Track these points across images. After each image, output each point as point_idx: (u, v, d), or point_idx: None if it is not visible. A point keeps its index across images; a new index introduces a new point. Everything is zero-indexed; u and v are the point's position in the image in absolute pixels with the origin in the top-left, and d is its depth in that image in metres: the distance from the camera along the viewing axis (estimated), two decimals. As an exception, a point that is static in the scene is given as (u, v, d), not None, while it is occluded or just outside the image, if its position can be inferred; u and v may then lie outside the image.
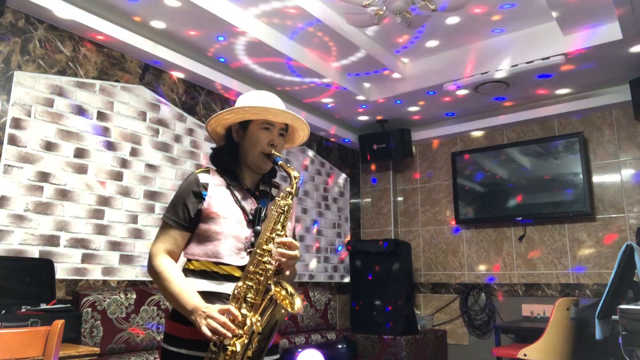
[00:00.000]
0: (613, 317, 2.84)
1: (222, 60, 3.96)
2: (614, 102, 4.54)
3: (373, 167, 5.90)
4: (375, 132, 5.48)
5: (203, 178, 1.61)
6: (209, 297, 1.48)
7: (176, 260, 1.59)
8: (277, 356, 1.62)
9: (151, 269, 1.55)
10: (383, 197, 5.80)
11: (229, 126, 1.68)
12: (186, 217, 1.56)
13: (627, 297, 3.38)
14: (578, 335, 3.81)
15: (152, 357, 2.98)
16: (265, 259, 1.46)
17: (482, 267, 5.14)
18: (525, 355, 3.58)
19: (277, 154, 1.60)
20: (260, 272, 1.45)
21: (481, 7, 3.65)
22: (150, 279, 3.48)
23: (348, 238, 5.61)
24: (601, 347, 3.65)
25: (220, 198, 1.58)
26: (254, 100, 1.65)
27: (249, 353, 1.38)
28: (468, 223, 5.26)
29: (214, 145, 1.78)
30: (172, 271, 1.51)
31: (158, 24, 3.43)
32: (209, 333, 1.36)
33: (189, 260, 1.59)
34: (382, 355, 4.55)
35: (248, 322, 1.40)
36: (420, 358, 4.63)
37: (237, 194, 1.61)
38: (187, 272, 1.57)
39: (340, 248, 5.44)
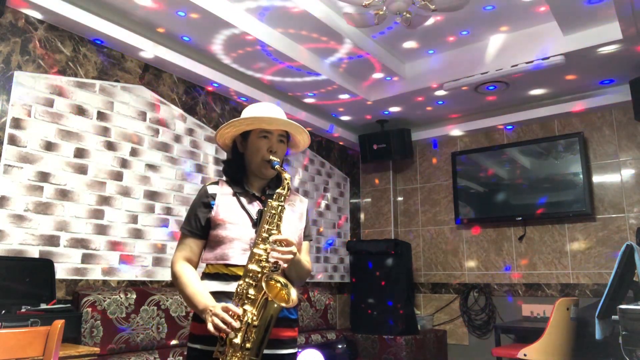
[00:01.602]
0: (613, 317, 2.84)
1: (218, 57, 3.96)
2: (614, 102, 4.54)
3: (373, 167, 5.90)
4: (375, 132, 5.47)
5: (211, 189, 1.77)
6: (220, 296, 1.61)
7: (195, 266, 1.75)
8: (294, 350, 1.73)
9: (172, 275, 1.73)
10: (383, 197, 5.80)
11: (234, 139, 1.82)
12: (198, 226, 1.73)
13: (627, 297, 3.38)
14: (578, 335, 3.81)
15: (152, 357, 2.99)
16: (261, 257, 1.58)
17: (482, 267, 5.14)
18: (525, 355, 3.58)
19: (275, 158, 1.72)
20: (258, 269, 1.57)
21: (481, 7, 3.65)
22: (150, 279, 3.49)
23: (348, 238, 5.62)
24: (601, 347, 3.65)
25: (226, 205, 1.72)
26: (251, 112, 1.79)
27: (248, 344, 1.50)
28: (468, 223, 5.26)
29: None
30: (188, 275, 1.68)
31: (158, 24, 3.43)
32: (212, 329, 1.49)
33: (205, 265, 1.75)
34: (382, 355, 4.55)
35: (246, 316, 1.52)
36: (420, 358, 4.63)
37: (243, 200, 1.75)
38: (204, 275, 1.73)
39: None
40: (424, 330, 5.00)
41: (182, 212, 3.76)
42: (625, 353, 2.47)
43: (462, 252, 5.30)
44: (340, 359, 4.28)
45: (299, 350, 3.76)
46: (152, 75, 3.73)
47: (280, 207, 1.63)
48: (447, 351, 5.18)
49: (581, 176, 4.59)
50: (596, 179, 4.66)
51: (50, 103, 3.08)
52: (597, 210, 4.60)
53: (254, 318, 1.51)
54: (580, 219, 4.65)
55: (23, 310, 2.56)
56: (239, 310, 1.51)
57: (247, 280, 1.56)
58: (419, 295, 5.49)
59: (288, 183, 1.67)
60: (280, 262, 1.60)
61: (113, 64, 3.47)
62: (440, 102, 4.88)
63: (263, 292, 1.53)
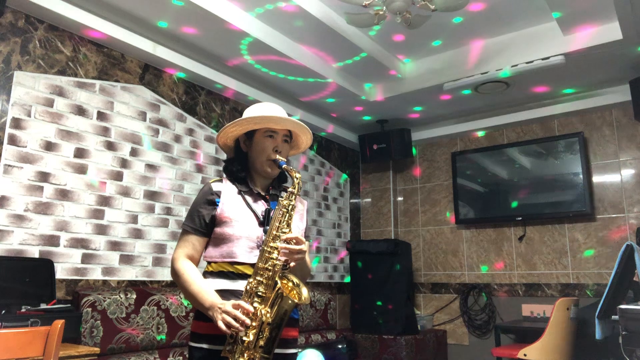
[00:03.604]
0: (613, 317, 2.84)
1: (218, 56, 3.96)
2: (614, 102, 4.54)
3: (373, 167, 5.90)
4: (375, 132, 5.47)
5: (216, 187, 1.76)
6: (225, 294, 1.61)
7: (196, 264, 1.74)
8: (296, 350, 1.73)
9: (173, 272, 1.71)
10: (383, 197, 5.80)
11: (237, 138, 1.82)
12: (202, 223, 1.71)
13: (627, 297, 3.38)
14: (578, 335, 3.81)
15: (152, 357, 2.99)
16: (272, 255, 1.57)
17: (482, 267, 5.14)
18: (525, 355, 3.59)
19: (282, 158, 1.72)
20: (269, 267, 1.57)
21: (481, 7, 3.65)
22: (150, 279, 3.49)
23: (348, 238, 5.62)
24: (601, 347, 3.65)
25: (232, 203, 1.72)
26: (256, 111, 1.79)
27: (261, 342, 1.50)
28: (468, 223, 5.25)
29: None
30: (191, 273, 1.66)
31: (158, 23, 3.43)
32: (224, 327, 1.48)
33: (208, 262, 1.73)
34: (382, 355, 4.55)
35: (259, 313, 1.51)
36: (420, 358, 4.63)
37: (248, 198, 1.74)
38: (206, 274, 1.71)
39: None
40: (424, 330, 5.00)
41: (182, 212, 3.75)
42: (625, 353, 2.47)
43: (462, 252, 5.30)
44: (340, 359, 4.28)
45: (299, 350, 3.77)
46: (152, 75, 3.73)
47: (291, 206, 1.64)
48: (447, 351, 5.18)
49: (581, 176, 4.59)
50: (596, 179, 4.66)
51: (50, 103, 3.08)
52: (597, 210, 4.60)
53: (268, 315, 1.51)
54: (580, 219, 4.65)
55: (23, 310, 2.56)
56: (250, 308, 1.50)
57: (257, 278, 1.56)
58: (419, 295, 5.49)
59: (299, 182, 1.67)
60: (290, 260, 1.60)
61: (113, 64, 3.47)
62: (440, 102, 4.88)
63: (278, 288, 1.52)
